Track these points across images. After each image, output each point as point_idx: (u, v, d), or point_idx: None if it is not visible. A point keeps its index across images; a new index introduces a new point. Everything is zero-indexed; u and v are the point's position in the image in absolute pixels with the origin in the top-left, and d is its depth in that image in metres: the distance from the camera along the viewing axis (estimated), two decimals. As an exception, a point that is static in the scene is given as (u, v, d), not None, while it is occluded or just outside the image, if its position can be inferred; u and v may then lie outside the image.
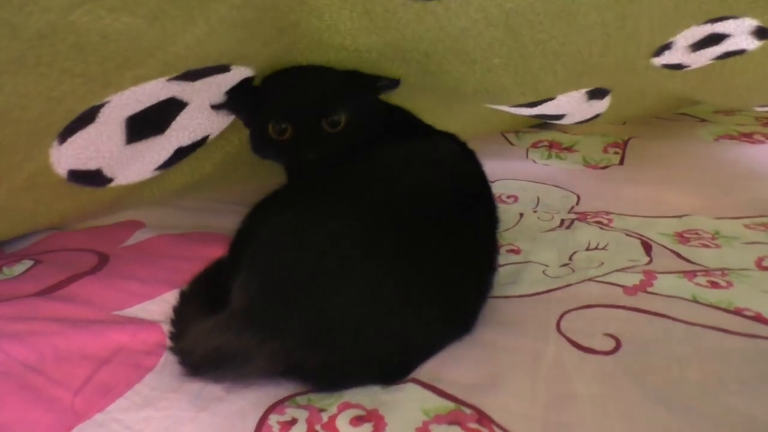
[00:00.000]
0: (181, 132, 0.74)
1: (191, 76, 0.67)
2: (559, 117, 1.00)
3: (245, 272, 0.62)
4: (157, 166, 0.76)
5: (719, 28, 0.78)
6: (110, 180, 0.74)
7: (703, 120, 1.25)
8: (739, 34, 0.79)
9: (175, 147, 0.75)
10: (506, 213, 0.91)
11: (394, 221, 0.62)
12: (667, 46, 0.80)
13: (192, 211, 0.93)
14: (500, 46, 0.74)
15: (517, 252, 0.81)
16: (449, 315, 0.62)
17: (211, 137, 0.78)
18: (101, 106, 0.63)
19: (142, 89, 0.64)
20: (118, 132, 0.68)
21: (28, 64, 0.53)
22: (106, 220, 0.89)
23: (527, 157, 1.15)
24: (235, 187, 0.94)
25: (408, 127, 0.80)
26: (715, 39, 0.80)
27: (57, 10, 0.50)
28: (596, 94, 0.93)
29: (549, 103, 0.90)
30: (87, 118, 0.64)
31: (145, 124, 0.70)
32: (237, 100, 0.75)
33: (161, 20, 0.56)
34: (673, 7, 0.73)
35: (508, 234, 0.87)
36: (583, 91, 0.91)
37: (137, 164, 0.75)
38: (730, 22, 0.77)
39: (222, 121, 0.77)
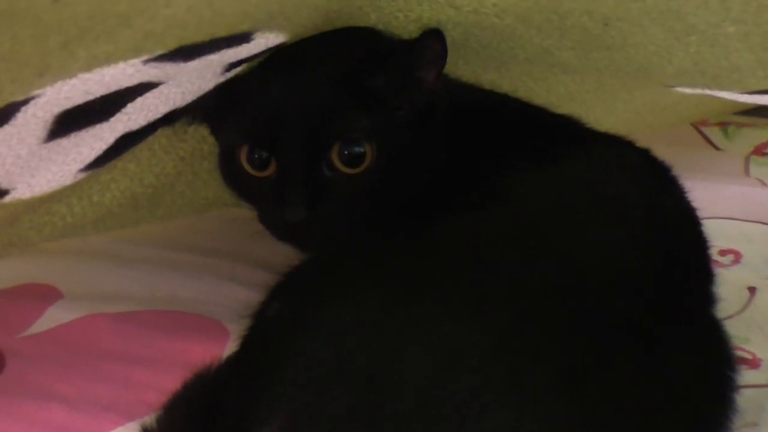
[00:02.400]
0: (135, 115, 0.65)
1: (186, 53, 0.59)
2: None
3: (286, 415, 0.49)
4: (85, 164, 0.68)
5: None
6: (4, 193, 0.66)
7: None
8: None
9: (121, 133, 0.66)
10: (723, 285, 0.69)
11: (552, 327, 0.51)
12: None
13: (140, 267, 0.82)
14: (742, 8, 0.65)
15: (754, 364, 0.67)
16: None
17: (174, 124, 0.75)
18: (23, 103, 0.57)
19: (98, 76, 0.56)
20: (38, 130, 0.60)
21: None
22: None
23: (747, 172, 0.97)
24: (207, 219, 0.86)
25: (549, 129, 0.70)
26: None
27: None
28: None
29: None
30: None
31: (84, 116, 0.61)
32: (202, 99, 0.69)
33: None
34: None
35: (731, 326, 0.67)
36: None
37: (53, 166, 0.67)
38: None
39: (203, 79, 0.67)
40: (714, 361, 0.59)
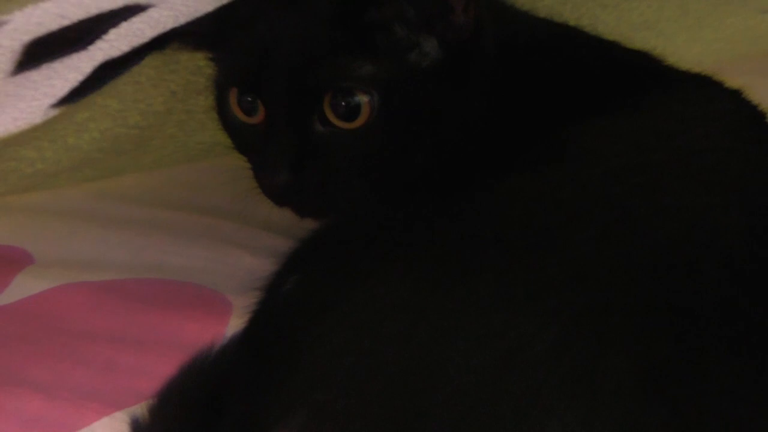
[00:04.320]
0: (118, 42, 0.60)
1: None
2: None
3: (307, 413, 0.47)
4: (57, 98, 0.62)
5: None
6: None
7: None
8: None
9: (100, 62, 0.61)
10: None
11: (629, 314, 0.46)
12: None
13: (124, 227, 0.79)
14: None
15: None
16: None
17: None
18: None
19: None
20: (4, 62, 0.57)
21: None
22: None
23: None
24: (204, 170, 0.85)
25: (616, 71, 0.65)
26: None
27: None
28: None
29: None
30: None
31: (58, 44, 0.58)
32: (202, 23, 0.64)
33: None
34: None
35: None
36: None
37: (20, 102, 0.62)
38: None
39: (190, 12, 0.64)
40: None
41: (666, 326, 0.49)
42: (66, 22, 0.57)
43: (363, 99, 0.59)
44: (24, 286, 0.72)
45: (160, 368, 0.58)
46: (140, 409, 0.57)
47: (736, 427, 0.48)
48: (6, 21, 0.56)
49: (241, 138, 0.66)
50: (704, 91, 0.67)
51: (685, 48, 0.77)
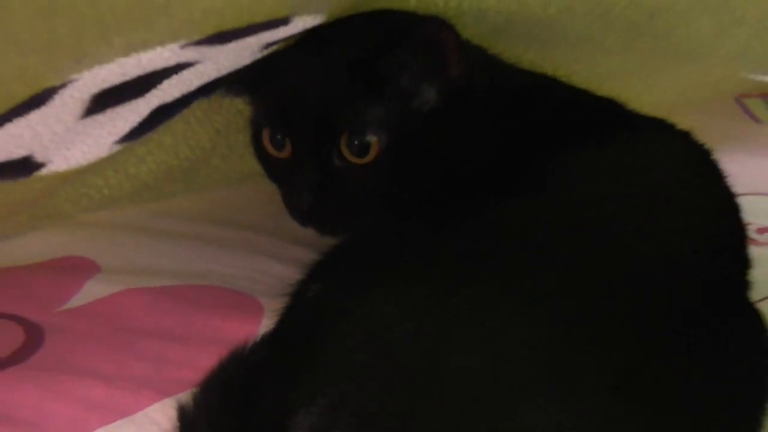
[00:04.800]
0: (170, 89, 0.67)
1: (223, 38, 0.61)
2: None
3: (321, 404, 0.51)
4: (120, 137, 0.69)
5: None
6: (40, 166, 0.67)
7: None
8: None
9: (155, 106, 0.68)
10: (761, 262, 0.71)
11: (606, 321, 0.52)
12: None
13: (175, 241, 0.84)
14: None
15: None
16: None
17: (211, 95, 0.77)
18: (61, 86, 0.59)
19: (135, 60, 0.59)
20: (75, 109, 0.62)
21: None
22: (33, 252, 0.81)
23: None
24: (243, 193, 0.90)
25: (591, 112, 0.72)
26: None
27: None
28: None
29: None
30: (32, 103, 0.59)
31: (120, 94, 0.63)
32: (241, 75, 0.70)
33: None
34: None
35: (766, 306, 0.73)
36: None
37: (89, 139, 0.68)
38: None
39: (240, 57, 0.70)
40: (760, 351, 0.60)
41: (637, 330, 0.53)
42: (127, 78, 0.62)
43: (373, 139, 0.64)
44: (92, 292, 0.76)
45: (203, 361, 0.61)
46: (186, 396, 0.60)
47: (695, 416, 0.52)
48: (77, 79, 0.60)
49: (272, 169, 0.71)
50: (659, 132, 0.72)
51: (644, 93, 0.79)
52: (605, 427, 0.51)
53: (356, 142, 0.65)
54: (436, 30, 0.65)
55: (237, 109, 0.83)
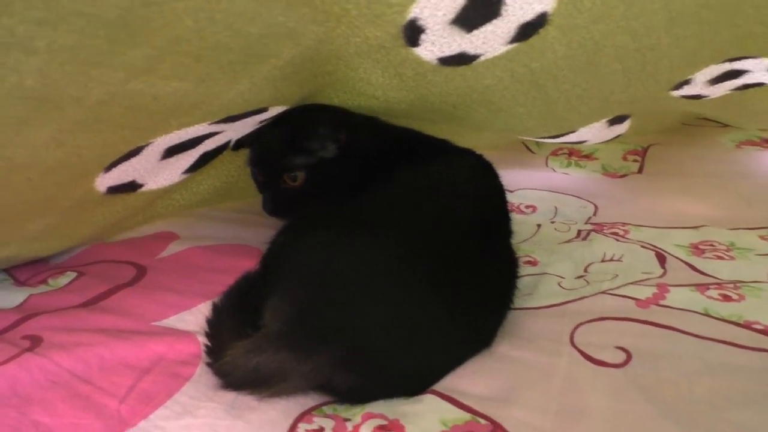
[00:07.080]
0: (209, 144, 0.78)
1: (231, 118, 0.70)
2: (581, 142, 1.05)
3: (278, 294, 0.63)
4: (184, 170, 0.80)
5: (738, 65, 0.80)
6: (141, 186, 0.77)
7: (725, 126, 1.26)
8: (759, 70, 0.81)
9: (201, 153, 0.79)
10: (524, 224, 0.93)
11: (421, 246, 0.64)
12: (686, 82, 0.83)
13: (221, 222, 0.96)
14: (525, 97, 0.78)
15: (534, 263, 0.83)
16: (473, 333, 0.64)
17: (232, 141, 0.82)
18: (146, 145, 0.68)
19: (185, 131, 0.68)
20: (156, 156, 0.73)
21: (88, 124, 0.57)
22: (143, 231, 0.92)
23: (547, 165, 1.17)
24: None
25: (426, 147, 0.83)
26: (734, 74, 0.82)
27: (116, 83, 0.54)
28: (616, 120, 0.96)
29: (571, 134, 0.94)
30: (132, 153, 0.68)
31: (180, 148, 0.74)
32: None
33: (207, 82, 0.60)
34: (692, 53, 0.75)
35: (525, 245, 0.88)
36: (604, 120, 0.94)
37: (166, 172, 0.78)
38: (749, 60, 0.79)
39: (245, 127, 0.79)
40: (511, 265, 0.74)
41: (444, 252, 0.65)
42: (182, 140, 0.72)
43: (300, 174, 0.79)
44: (173, 249, 0.87)
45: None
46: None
47: (476, 294, 0.65)
48: (154, 141, 0.68)
49: (257, 187, 0.84)
50: (465, 155, 0.83)
51: (474, 140, 0.89)
52: (430, 301, 0.62)
53: (291, 175, 0.79)
54: (334, 124, 0.79)
55: (246, 153, 0.88)
